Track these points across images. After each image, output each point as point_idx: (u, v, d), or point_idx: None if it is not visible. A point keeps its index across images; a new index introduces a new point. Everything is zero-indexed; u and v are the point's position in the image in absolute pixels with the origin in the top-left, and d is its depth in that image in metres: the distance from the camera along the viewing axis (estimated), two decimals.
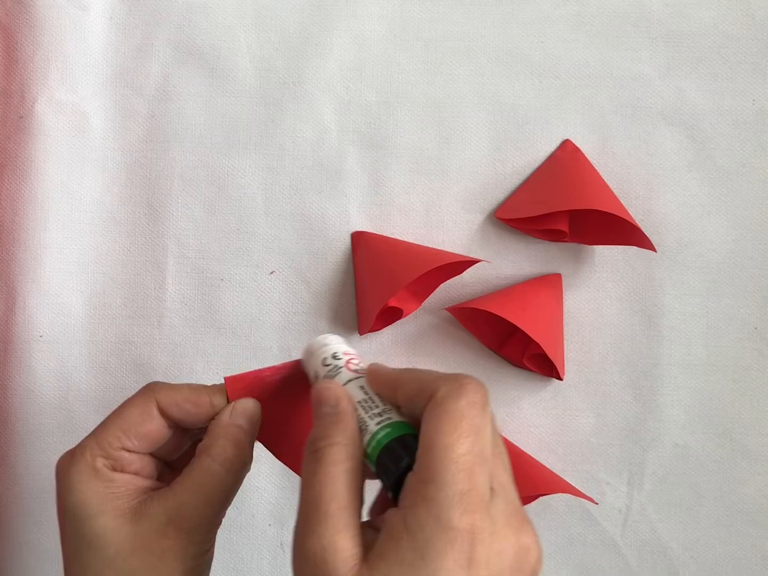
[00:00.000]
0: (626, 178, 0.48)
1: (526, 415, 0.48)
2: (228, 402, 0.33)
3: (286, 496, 0.48)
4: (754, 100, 0.48)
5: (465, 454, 0.26)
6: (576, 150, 0.48)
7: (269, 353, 0.48)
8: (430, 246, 0.47)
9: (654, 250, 0.44)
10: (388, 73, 0.48)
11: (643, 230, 0.44)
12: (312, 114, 0.48)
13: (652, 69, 0.48)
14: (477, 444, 0.26)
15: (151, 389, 0.33)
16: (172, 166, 0.48)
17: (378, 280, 0.45)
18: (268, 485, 0.48)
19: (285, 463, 0.36)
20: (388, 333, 0.48)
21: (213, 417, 0.33)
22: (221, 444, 0.32)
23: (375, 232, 0.48)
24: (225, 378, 0.34)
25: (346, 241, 0.48)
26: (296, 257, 0.48)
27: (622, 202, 0.46)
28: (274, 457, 0.36)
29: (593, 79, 0.48)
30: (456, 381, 0.28)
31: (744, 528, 0.48)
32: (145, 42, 0.48)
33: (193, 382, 0.47)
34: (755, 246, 0.48)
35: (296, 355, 0.47)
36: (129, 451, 0.32)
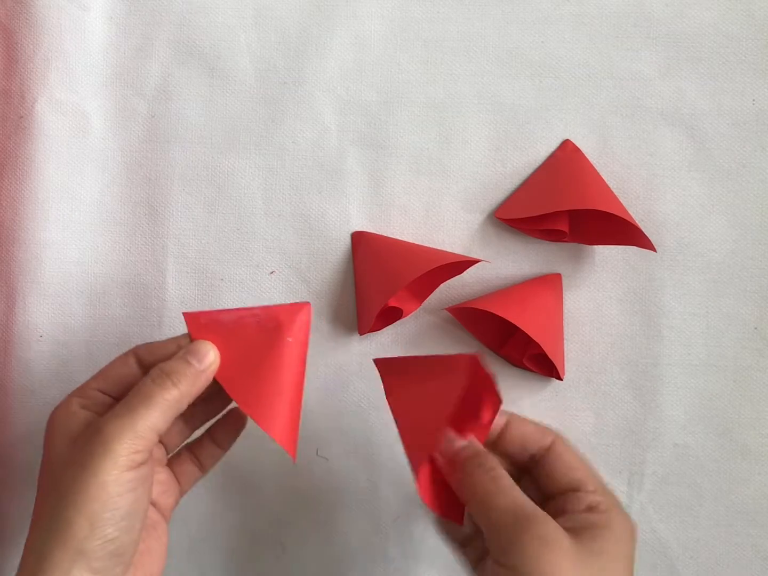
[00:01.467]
0: (626, 178, 0.48)
1: (526, 415, 0.47)
2: (191, 341, 0.36)
3: (286, 496, 0.48)
4: (754, 100, 0.48)
5: None
6: (576, 150, 0.48)
7: None
8: (430, 246, 0.47)
9: (654, 250, 0.44)
10: (388, 73, 0.48)
11: (643, 230, 0.44)
12: (312, 114, 0.48)
13: (652, 69, 0.48)
14: None
15: (133, 348, 0.37)
16: (172, 166, 0.48)
17: (378, 280, 0.45)
18: (268, 486, 0.48)
19: (239, 404, 0.36)
20: (388, 333, 0.48)
21: None
22: (160, 366, 0.35)
23: (375, 232, 0.48)
24: (183, 313, 0.37)
25: (346, 241, 0.48)
26: (296, 257, 0.48)
27: (622, 202, 0.46)
28: (265, 437, 0.36)
29: (593, 79, 0.48)
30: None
31: (744, 528, 0.48)
32: (145, 42, 0.48)
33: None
34: (755, 246, 0.48)
35: None
36: (103, 393, 0.36)
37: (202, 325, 0.36)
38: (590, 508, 0.33)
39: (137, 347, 0.37)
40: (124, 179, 0.48)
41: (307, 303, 0.37)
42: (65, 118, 0.47)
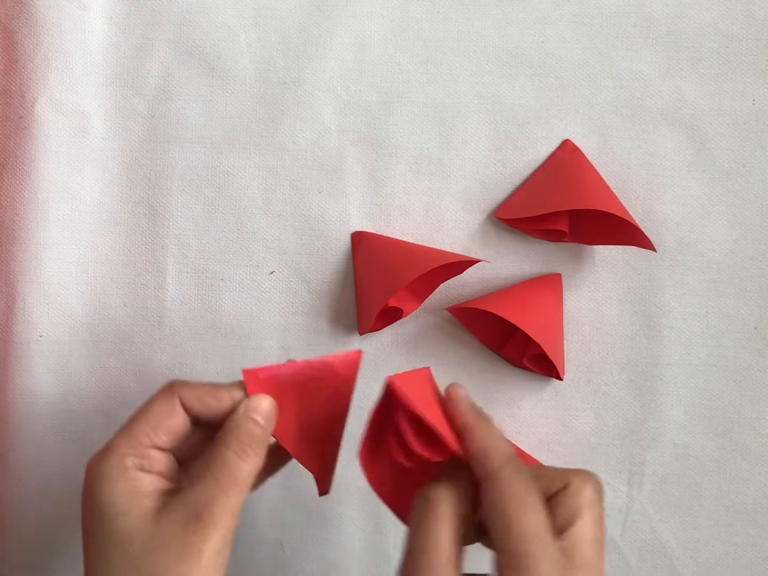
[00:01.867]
0: (626, 178, 0.48)
1: (526, 415, 0.48)
2: (246, 396, 0.35)
3: (287, 496, 0.48)
4: (754, 100, 0.48)
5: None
6: (576, 150, 0.48)
7: (269, 353, 0.48)
8: (430, 246, 0.47)
9: (654, 250, 0.44)
10: (388, 73, 0.48)
11: (643, 230, 0.44)
12: (312, 114, 0.48)
13: (652, 69, 0.48)
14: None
15: (173, 386, 0.34)
16: (172, 166, 0.48)
17: (378, 280, 0.45)
18: (268, 485, 0.48)
19: (302, 463, 0.36)
20: (388, 333, 0.48)
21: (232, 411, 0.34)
22: (234, 434, 0.33)
23: (375, 232, 0.48)
24: (243, 370, 0.35)
25: (346, 241, 0.48)
26: (296, 257, 0.48)
27: (622, 202, 0.46)
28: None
29: (593, 79, 0.48)
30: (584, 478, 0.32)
31: (744, 528, 0.48)
32: (145, 42, 0.48)
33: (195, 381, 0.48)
34: (755, 246, 0.48)
35: (295, 354, 0.48)
36: (157, 448, 0.33)
37: (260, 381, 0.35)
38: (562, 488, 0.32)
39: (178, 387, 0.34)
40: (124, 179, 0.48)
41: (360, 351, 0.37)
42: (65, 118, 0.47)
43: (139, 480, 0.32)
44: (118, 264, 0.48)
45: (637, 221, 0.45)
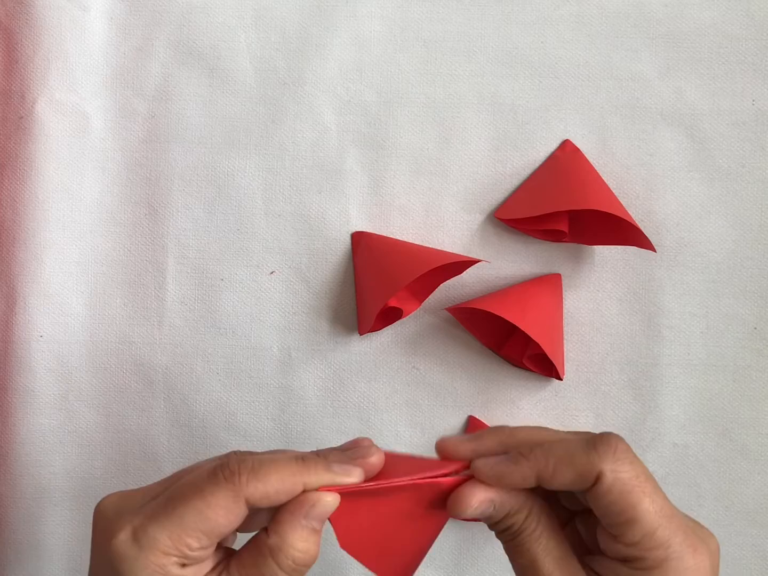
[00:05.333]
0: (626, 178, 0.48)
1: (526, 415, 0.48)
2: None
3: None
4: (753, 101, 0.48)
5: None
6: (576, 150, 0.48)
7: (269, 353, 0.48)
8: (430, 246, 0.47)
9: (654, 250, 0.44)
10: (388, 73, 0.48)
11: (643, 230, 0.44)
12: (312, 114, 0.48)
13: (651, 69, 0.48)
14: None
15: (237, 483, 0.28)
16: (172, 166, 0.48)
17: (378, 280, 0.45)
18: None
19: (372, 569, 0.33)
20: (388, 333, 0.48)
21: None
22: (290, 552, 0.29)
23: (375, 232, 0.48)
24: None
25: (346, 241, 0.48)
26: (296, 257, 0.48)
27: (622, 202, 0.46)
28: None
29: (593, 79, 0.48)
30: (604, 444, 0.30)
31: (744, 528, 0.48)
32: (145, 42, 0.48)
33: (198, 383, 0.48)
34: (755, 246, 0.48)
35: (296, 355, 0.48)
36: (205, 548, 0.29)
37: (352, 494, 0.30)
38: (626, 560, 0.29)
39: (245, 484, 0.28)
40: (124, 179, 0.48)
41: (471, 478, 0.31)
42: (65, 118, 0.47)
43: None
44: (118, 264, 0.48)
45: (636, 221, 0.45)
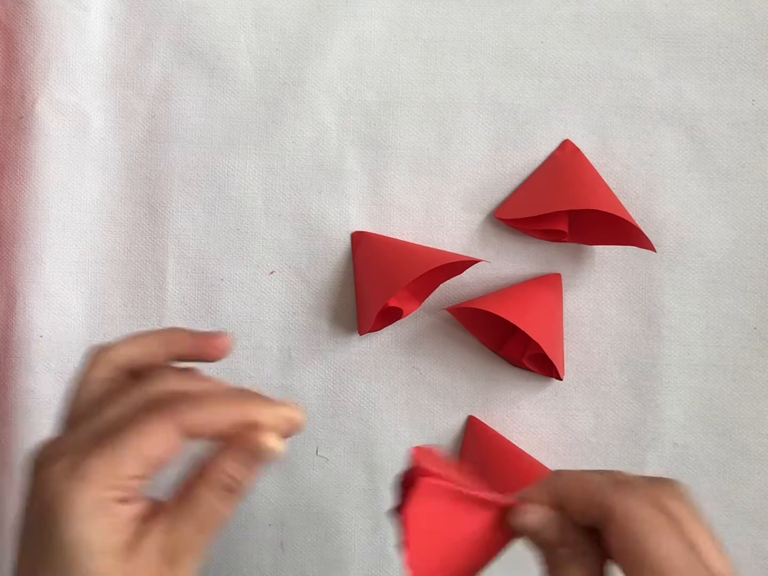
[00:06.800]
0: (626, 178, 0.48)
1: (526, 415, 0.48)
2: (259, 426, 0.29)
3: (286, 496, 0.48)
4: (753, 100, 0.48)
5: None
6: (576, 150, 0.48)
7: (269, 353, 0.48)
8: (430, 246, 0.47)
9: (654, 250, 0.44)
10: (388, 73, 0.48)
11: (643, 230, 0.44)
12: (312, 114, 0.48)
13: (651, 69, 0.48)
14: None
15: (173, 411, 0.28)
16: (172, 166, 0.48)
17: (378, 280, 0.45)
18: (268, 485, 0.48)
19: None
20: (388, 333, 0.48)
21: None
22: (219, 475, 0.29)
23: (375, 232, 0.48)
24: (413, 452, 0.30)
25: (346, 241, 0.48)
26: (296, 257, 0.48)
27: (622, 202, 0.46)
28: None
29: (593, 79, 0.48)
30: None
31: (744, 528, 0.48)
32: (145, 42, 0.48)
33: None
34: (755, 246, 0.48)
35: (296, 355, 0.48)
36: (142, 480, 0.28)
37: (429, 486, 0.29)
38: None
39: (182, 415, 0.28)
40: (124, 179, 0.48)
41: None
42: (65, 118, 0.47)
43: (119, 514, 0.27)
44: (118, 264, 0.48)
45: (636, 221, 0.45)
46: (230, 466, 0.29)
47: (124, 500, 0.27)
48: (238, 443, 0.29)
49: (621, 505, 0.26)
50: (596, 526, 0.28)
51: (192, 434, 0.28)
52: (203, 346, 0.32)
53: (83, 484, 0.26)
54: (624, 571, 0.26)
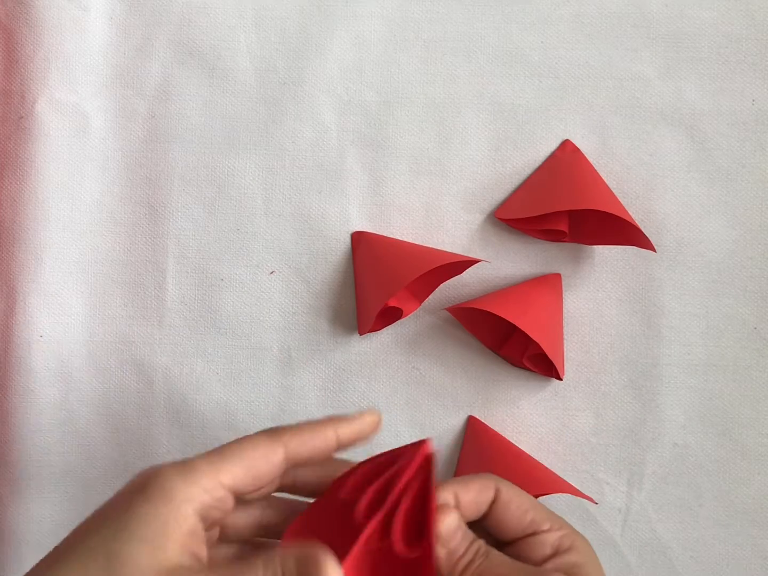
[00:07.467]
0: (626, 178, 0.48)
1: (526, 415, 0.48)
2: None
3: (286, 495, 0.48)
4: (753, 101, 0.48)
5: None
6: (576, 150, 0.48)
7: (269, 353, 0.48)
8: (430, 246, 0.47)
9: (654, 250, 0.44)
10: (388, 73, 0.48)
11: (643, 230, 0.44)
12: (312, 114, 0.48)
13: (651, 69, 0.48)
14: None
15: (279, 434, 0.30)
16: (172, 166, 0.48)
17: (378, 280, 0.45)
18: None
19: None
20: (388, 333, 0.48)
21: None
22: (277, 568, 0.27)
23: (375, 232, 0.48)
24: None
25: (346, 241, 0.48)
26: (296, 257, 0.48)
27: (622, 202, 0.46)
28: None
29: (593, 80, 0.48)
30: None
31: (744, 528, 0.48)
32: (145, 42, 0.48)
33: (198, 383, 0.48)
34: (755, 246, 0.48)
35: (296, 355, 0.48)
36: (238, 493, 0.29)
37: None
38: (556, 551, 0.32)
39: (284, 435, 0.30)
40: (124, 179, 0.48)
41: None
42: (65, 118, 0.47)
43: (196, 532, 0.27)
44: (118, 264, 0.48)
45: (636, 221, 0.45)
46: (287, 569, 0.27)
47: (208, 520, 0.28)
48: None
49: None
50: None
51: (292, 456, 0.30)
52: (368, 433, 0.33)
53: (186, 473, 0.27)
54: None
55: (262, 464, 0.29)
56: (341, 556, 0.27)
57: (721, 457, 0.48)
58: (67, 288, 0.47)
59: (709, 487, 0.48)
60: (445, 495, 0.31)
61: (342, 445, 0.31)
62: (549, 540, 0.32)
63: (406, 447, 0.31)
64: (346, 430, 0.31)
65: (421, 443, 0.30)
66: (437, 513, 0.30)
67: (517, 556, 0.32)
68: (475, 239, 0.48)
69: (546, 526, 0.32)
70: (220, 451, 0.29)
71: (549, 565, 0.31)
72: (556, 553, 0.32)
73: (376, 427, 0.33)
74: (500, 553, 0.31)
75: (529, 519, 0.32)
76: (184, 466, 0.28)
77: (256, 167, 0.48)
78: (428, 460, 0.30)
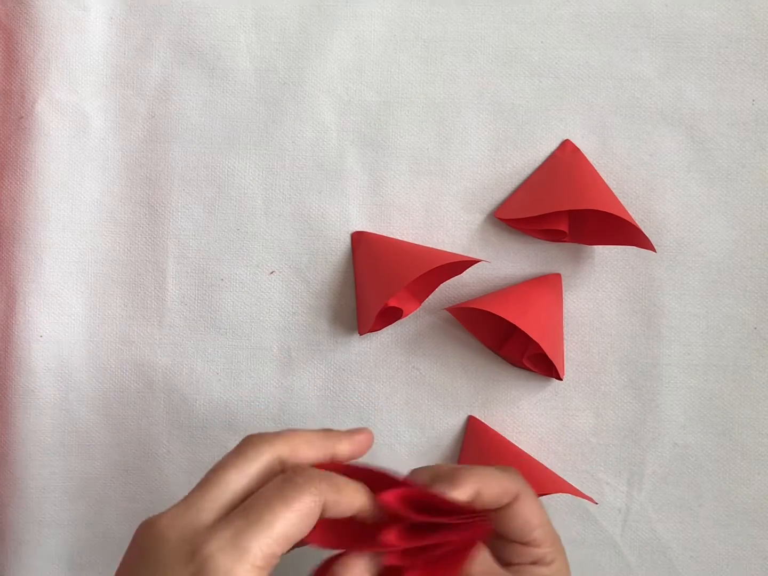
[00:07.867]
0: (626, 178, 0.48)
1: (526, 415, 0.48)
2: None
3: None
4: (753, 101, 0.48)
5: None
6: (576, 150, 0.48)
7: (269, 353, 0.48)
8: (430, 246, 0.47)
9: (654, 250, 0.44)
10: (388, 73, 0.48)
11: (643, 230, 0.44)
12: (312, 114, 0.48)
13: (651, 69, 0.48)
14: None
15: (317, 488, 0.30)
16: (172, 166, 0.48)
17: (378, 280, 0.45)
18: None
19: None
20: (388, 333, 0.48)
21: None
22: None
23: (375, 232, 0.48)
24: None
25: (346, 241, 0.48)
26: (296, 257, 0.48)
27: (622, 202, 0.46)
28: None
29: (593, 79, 0.48)
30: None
31: (744, 528, 0.48)
32: (145, 42, 0.48)
33: (198, 383, 0.48)
34: (755, 246, 0.48)
35: (296, 355, 0.48)
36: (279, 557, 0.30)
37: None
38: (536, 561, 0.33)
39: (325, 492, 0.30)
40: (124, 179, 0.48)
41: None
42: (65, 118, 0.47)
43: None
44: (118, 264, 0.48)
45: (636, 221, 0.45)
46: None
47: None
48: None
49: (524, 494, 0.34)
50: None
51: (328, 512, 0.30)
52: (358, 451, 0.34)
53: (242, 563, 0.27)
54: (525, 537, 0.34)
55: (303, 527, 0.30)
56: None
57: (721, 457, 0.48)
58: (67, 288, 0.47)
59: (709, 487, 0.48)
60: (467, 489, 0.32)
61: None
62: (535, 553, 0.34)
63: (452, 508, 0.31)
64: (344, 452, 0.33)
65: (479, 521, 0.31)
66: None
67: (502, 557, 0.34)
68: (475, 239, 0.48)
69: (543, 547, 0.34)
70: (264, 521, 0.28)
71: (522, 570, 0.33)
72: (534, 562, 0.34)
73: (368, 447, 0.34)
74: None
75: (531, 537, 0.34)
76: (235, 554, 0.28)
77: (256, 167, 0.48)
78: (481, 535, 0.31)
